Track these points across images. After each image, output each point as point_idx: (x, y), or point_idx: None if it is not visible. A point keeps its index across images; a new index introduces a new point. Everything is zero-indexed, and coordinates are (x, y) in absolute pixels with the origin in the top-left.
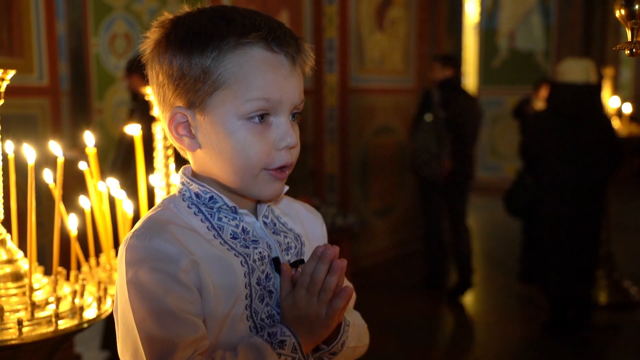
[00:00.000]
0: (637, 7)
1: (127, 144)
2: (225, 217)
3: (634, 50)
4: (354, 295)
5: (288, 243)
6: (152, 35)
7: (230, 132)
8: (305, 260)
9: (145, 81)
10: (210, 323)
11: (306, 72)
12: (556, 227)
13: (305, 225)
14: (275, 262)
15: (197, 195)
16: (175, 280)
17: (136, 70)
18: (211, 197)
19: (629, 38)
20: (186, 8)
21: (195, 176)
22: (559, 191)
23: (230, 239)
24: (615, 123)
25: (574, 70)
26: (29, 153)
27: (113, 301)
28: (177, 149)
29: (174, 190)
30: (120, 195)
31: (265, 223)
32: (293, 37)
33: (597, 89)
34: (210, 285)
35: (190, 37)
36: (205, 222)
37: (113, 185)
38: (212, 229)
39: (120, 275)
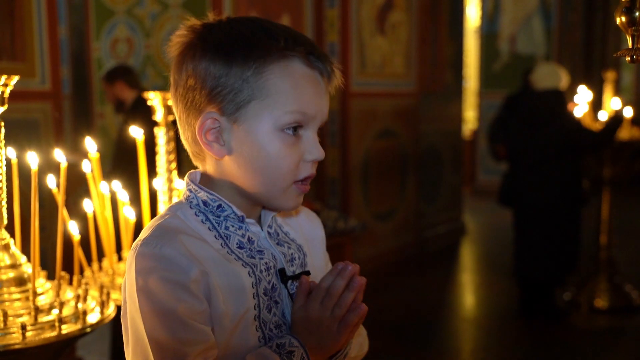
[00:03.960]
0: (637, 14)
1: (124, 150)
2: (232, 226)
3: (634, 56)
4: None
5: (292, 254)
6: (181, 38)
7: (266, 143)
8: (311, 271)
9: (130, 87)
10: (219, 332)
11: (332, 92)
12: (523, 220)
13: (306, 234)
14: (281, 274)
15: (204, 203)
16: (186, 290)
17: (120, 77)
18: (219, 206)
19: (630, 45)
20: (211, 16)
21: (209, 180)
22: (527, 189)
23: (236, 249)
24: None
25: (543, 78)
26: (32, 159)
27: (117, 306)
28: (191, 153)
29: (176, 195)
30: (125, 197)
31: (269, 233)
32: (328, 58)
33: (559, 94)
34: (219, 294)
35: (231, 45)
36: (213, 231)
37: (117, 188)
38: (219, 238)
39: (129, 283)
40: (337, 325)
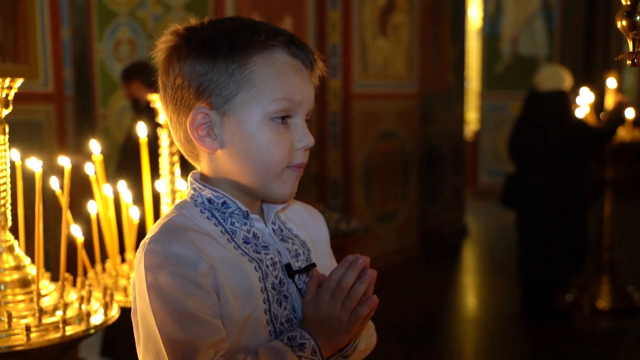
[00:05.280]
0: (638, 18)
1: (131, 149)
2: (237, 221)
3: (635, 60)
4: None
5: (296, 250)
6: (165, 43)
7: (256, 132)
8: (317, 264)
9: (146, 87)
10: (229, 326)
11: (315, 82)
12: (527, 221)
13: (309, 231)
14: (288, 269)
15: (209, 200)
16: (195, 284)
17: (136, 76)
18: (224, 202)
19: (631, 49)
20: (193, 20)
21: (207, 180)
22: (531, 190)
23: (242, 244)
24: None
25: (547, 79)
26: (36, 164)
27: (120, 307)
28: (185, 153)
29: (179, 196)
30: (129, 199)
31: (273, 230)
32: (310, 48)
33: (563, 95)
34: (227, 288)
35: (214, 41)
36: (219, 226)
37: (122, 189)
38: (225, 233)
39: (139, 280)
40: (348, 318)
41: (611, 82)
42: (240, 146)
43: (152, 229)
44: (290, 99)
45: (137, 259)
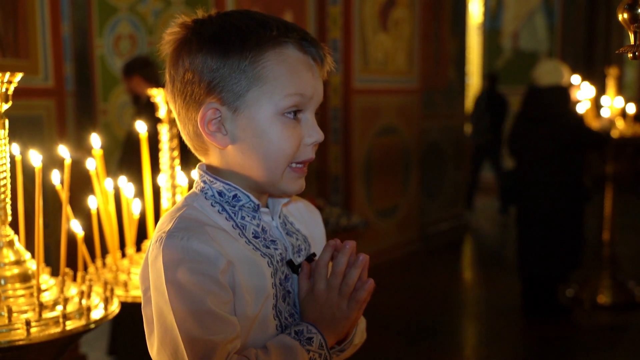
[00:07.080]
0: (639, 10)
1: (133, 145)
2: (247, 215)
3: (636, 53)
4: None
5: (299, 245)
6: (173, 35)
7: (267, 127)
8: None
9: (147, 82)
10: (241, 322)
11: (324, 77)
12: (526, 217)
13: (309, 227)
14: (290, 265)
15: (220, 193)
16: (214, 281)
17: (137, 71)
18: (235, 195)
19: (632, 41)
20: (200, 13)
21: (217, 172)
22: (530, 186)
23: (252, 238)
24: (592, 121)
25: (546, 74)
26: (36, 157)
27: (120, 302)
28: (193, 147)
29: (180, 191)
30: (130, 193)
31: (280, 224)
32: (320, 43)
33: (562, 90)
34: (243, 285)
35: (226, 37)
36: (230, 221)
37: (122, 184)
38: (236, 228)
39: (155, 275)
40: (347, 304)
41: (606, 101)
42: (251, 141)
43: (163, 221)
44: (302, 94)
45: (152, 253)
